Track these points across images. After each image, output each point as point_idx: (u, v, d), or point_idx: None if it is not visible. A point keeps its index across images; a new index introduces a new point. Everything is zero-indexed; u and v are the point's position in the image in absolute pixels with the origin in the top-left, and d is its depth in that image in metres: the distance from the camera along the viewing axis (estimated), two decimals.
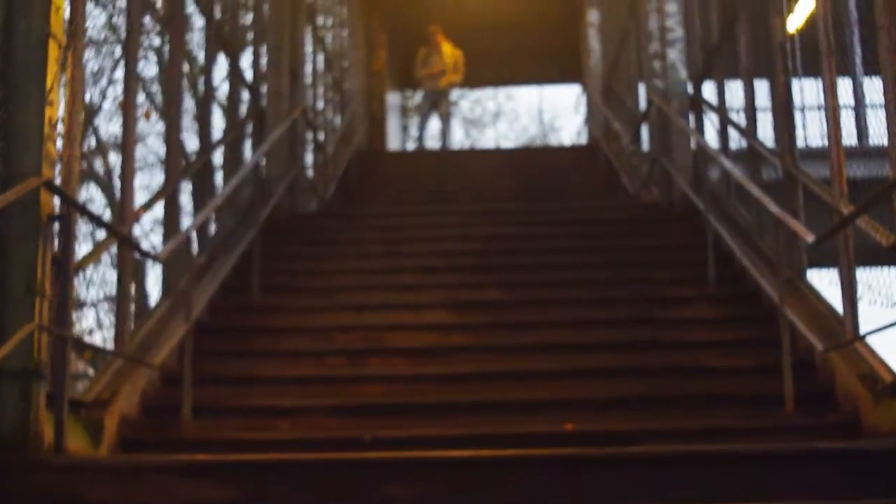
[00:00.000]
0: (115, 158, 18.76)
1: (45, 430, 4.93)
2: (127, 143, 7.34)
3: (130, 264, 6.96)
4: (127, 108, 7.48)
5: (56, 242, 5.14)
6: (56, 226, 5.13)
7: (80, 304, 14.63)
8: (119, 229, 6.61)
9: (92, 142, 18.63)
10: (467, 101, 31.84)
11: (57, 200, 5.19)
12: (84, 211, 5.56)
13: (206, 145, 9.55)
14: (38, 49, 5.20)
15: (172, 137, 8.34)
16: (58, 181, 5.37)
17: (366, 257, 10.07)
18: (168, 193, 8.15)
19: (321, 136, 13.88)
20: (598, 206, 12.32)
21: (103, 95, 18.12)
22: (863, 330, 6.59)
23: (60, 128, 5.61)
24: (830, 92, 7.00)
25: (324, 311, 8.72)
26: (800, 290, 7.70)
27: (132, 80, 7.47)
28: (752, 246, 8.90)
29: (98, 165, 18.76)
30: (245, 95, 11.14)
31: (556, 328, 8.28)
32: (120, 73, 15.30)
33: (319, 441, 6.40)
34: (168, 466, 5.05)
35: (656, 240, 10.28)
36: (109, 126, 18.31)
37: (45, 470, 4.85)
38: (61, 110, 5.63)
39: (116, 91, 17.42)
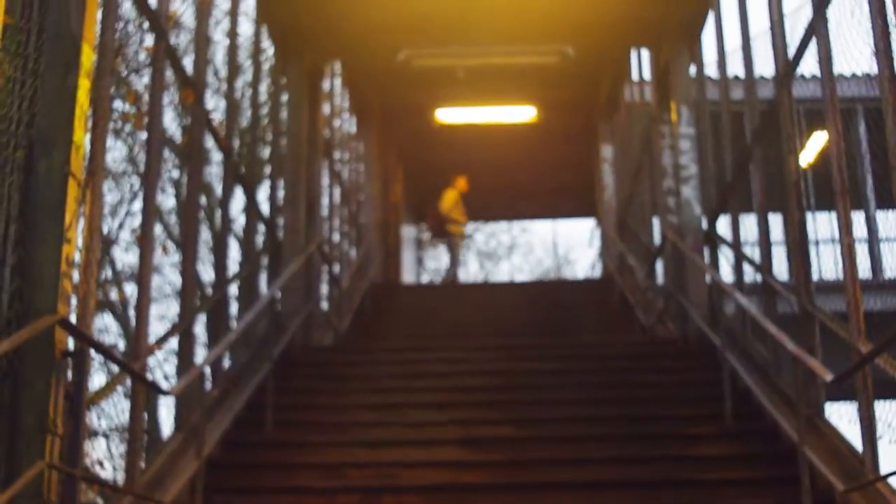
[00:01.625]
0: (130, 288, 18.90)
1: None
2: (143, 277, 7.38)
3: (143, 400, 6.92)
4: (144, 242, 7.54)
5: (69, 378, 5.12)
6: (69, 362, 5.11)
7: (93, 435, 14.57)
8: (132, 365, 6.59)
9: (109, 272, 18.79)
10: (482, 234, 32.06)
11: (71, 337, 5.18)
12: (98, 347, 5.55)
13: (222, 278, 9.57)
14: (57, 188, 5.26)
15: (188, 271, 8.38)
16: (73, 317, 5.38)
17: (380, 392, 10.01)
18: (183, 328, 8.14)
19: (336, 269, 13.94)
20: (613, 341, 12.27)
21: (121, 226, 18.30)
22: (883, 469, 6.51)
23: (77, 262, 5.64)
24: (846, 230, 7.02)
25: (337, 447, 8.64)
26: (818, 427, 7.61)
27: (150, 213, 7.53)
28: (770, 382, 8.83)
29: (114, 295, 18.87)
30: (261, 228, 11.22)
31: (570, 466, 8.17)
32: (138, 205, 15.44)
33: None
34: None
35: (672, 376, 10.21)
36: (126, 256, 18.52)
37: None
38: (78, 246, 5.66)
39: (134, 223, 17.65)
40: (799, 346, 7.44)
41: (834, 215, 16.57)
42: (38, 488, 4.76)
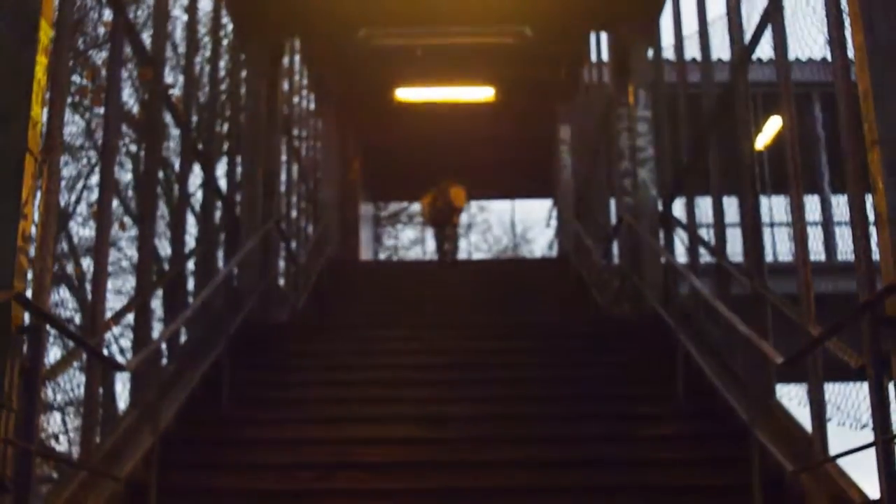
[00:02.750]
0: (87, 262, 18.77)
1: None
2: (99, 252, 7.36)
3: (99, 375, 6.92)
4: (101, 216, 7.52)
5: (25, 354, 5.12)
6: (25, 338, 5.10)
7: (49, 409, 14.50)
8: (88, 341, 6.58)
9: (65, 247, 18.66)
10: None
11: (27, 313, 5.18)
12: (55, 323, 5.55)
13: (179, 254, 9.56)
14: (13, 164, 5.22)
15: (145, 246, 8.36)
16: (28, 293, 5.37)
17: (336, 369, 10.05)
18: (139, 303, 8.14)
19: (294, 246, 13.94)
20: (568, 320, 12.36)
21: (78, 200, 18.17)
22: (833, 451, 6.62)
23: (33, 237, 5.62)
24: (797, 213, 7.12)
25: (292, 424, 8.67)
26: (769, 408, 7.72)
27: (108, 188, 7.51)
28: (722, 363, 8.94)
29: (70, 269, 18.74)
30: (219, 204, 11.20)
31: (521, 444, 8.24)
32: (95, 179, 15.34)
33: None
34: None
35: (626, 355, 10.30)
36: (83, 231, 18.40)
37: None
38: (35, 222, 5.64)
39: (91, 196, 17.52)
40: (751, 328, 7.54)
41: (787, 199, 16.83)
42: None
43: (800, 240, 7.06)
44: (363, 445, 8.20)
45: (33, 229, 5.49)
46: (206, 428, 8.60)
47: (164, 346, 8.11)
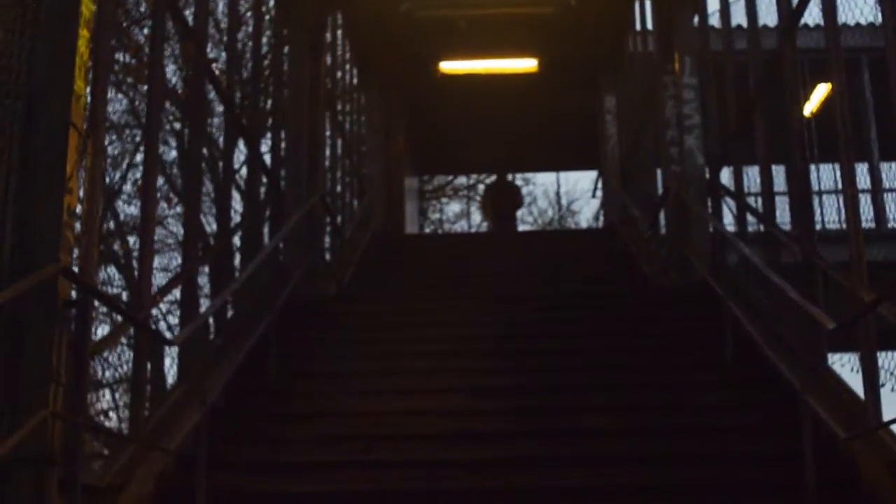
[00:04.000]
0: (133, 241, 18.87)
1: None
2: (146, 228, 7.38)
3: (147, 350, 6.95)
4: (146, 193, 7.54)
5: (73, 328, 5.14)
6: (72, 312, 5.13)
7: (99, 386, 14.61)
8: (135, 315, 6.60)
9: (112, 225, 18.76)
10: (485, 186, 31.97)
11: (74, 286, 5.20)
12: (101, 296, 5.57)
13: (225, 230, 9.57)
14: (58, 138, 5.24)
15: (191, 221, 8.37)
16: (75, 267, 5.39)
17: (383, 342, 10.04)
18: (186, 278, 8.15)
19: (339, 221, 13.94)
20: (616, 290, 12.27)
21: (124, 179, 18.27)
22: (886, 417, 6.53)
23: (79, 213, 5.64)
24: (848, 179, 7.01)
25: (341, 396, 8.69)
26: (821, 375, 7.63)
27: (152, 164, 7.52)
28: (772, 331, 8.83)
29: (117, 247, 18.85)
30: (264, 180, 11.21)
31: (573, 414, 8.21)
32: (140, 157, 15.38)
33: None
34: None
35: (674, 324, 10.23)
36: (129, 208, 18.48)
37: None
38: (80, 197, 5.66)
39: (137, 174, 17.59)
40: (802, 294, 7.44)
41: (836, 167, 16.61)
42: (41, 437, 4.78)
43: (851, 205, 6.95)
44: (411, 416, 8.20)
45: (79, 205, 5.50)
46: (254, 401, 8.62)
47: (211, 321, 8.11)
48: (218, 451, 7.38)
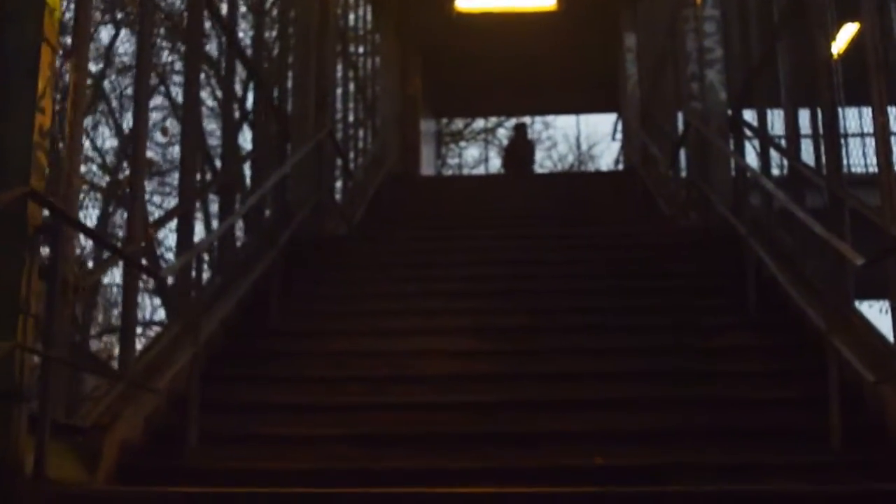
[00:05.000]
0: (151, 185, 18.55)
1: (27, 455, 4.56)
2: (137, 158, 7.02)
3: (136, 284, 6.61)
4: (137, 120, 7.18)
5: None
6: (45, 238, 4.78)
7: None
8: (122, 248, 6.25)
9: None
10: (505, 130, 31.52)
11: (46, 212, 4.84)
12: (76, 224, 5.21)
13: (229, 164, 9.19)
14: (29, 54, 4.87)
15: (188, 152, 7.97)
16: (54, 194, 5.04)
17: (390, 281, 9.70)
18: (182, 212, 7.79)
19: (350, 160, 13.56)
20: (634, 230, 11.87)
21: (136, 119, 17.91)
22: None
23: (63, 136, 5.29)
24: (880, 109, 6.57)
25: (344, 336, 8.34)
26: (847, 318, 7.22)
27: (143, 94, 7.15)
28: (796, 272, 8.42)
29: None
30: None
31: (586, 356, 7.85)
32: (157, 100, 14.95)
33: (332, 472, 6.02)
34: (160, 499, 4.68)
35: (694, 265, 9.86)
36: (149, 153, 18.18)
37: (19, 499, 4.47)
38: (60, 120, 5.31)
39: (154, 117, 17.22)
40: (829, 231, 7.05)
41: (860, 111, 16.12)
42: (9, 369, 4.45)
43: (882, 139, 6.52)
44: (417, 358, 7.86)
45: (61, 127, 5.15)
46: (255, 340, 8.30)
47: (211, 258, 7.77)
48: (213, 392, 7.06)
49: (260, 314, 8.64)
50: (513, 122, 31.14)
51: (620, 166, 25.38)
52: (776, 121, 10.60)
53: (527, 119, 26.73)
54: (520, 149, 20.77)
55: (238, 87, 14.29)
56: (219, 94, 16.13)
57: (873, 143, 13.57)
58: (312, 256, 10.32)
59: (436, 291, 9.25)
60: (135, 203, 6.96)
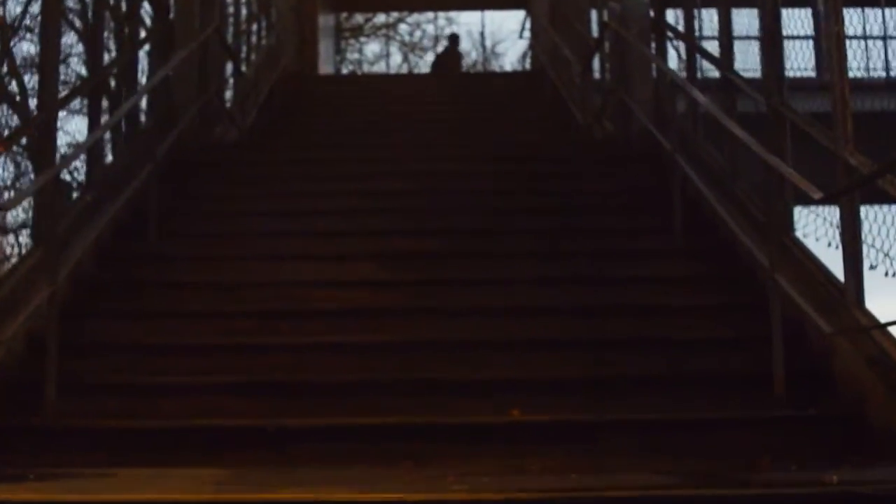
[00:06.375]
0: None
1: None
2: None
3: None
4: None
5: None
6: None
7: None
8: None
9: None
10: (406, 25, 30.47)
11: None
12: None
13: (97, 68, 8.17)
14: None
15: (48, 60, 6.92)
16: None
17: (284, 197, 8.84)
18: (41, 121, 6.80)
19: (242, 59, 12.53)
20: (544, 140, 11.12)
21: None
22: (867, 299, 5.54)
23: None
24: (835, 16, 5.81)
25: (232, 262, 7.48)
26: (786, 248, 6.54)
27: None
28: (725, 192, 7.73)
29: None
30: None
31: (495, 286, 7.11)
32: None
33: (213, 430, 5.25)
34: None
35: (612, 182, 9.15)
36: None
37: None
38: None
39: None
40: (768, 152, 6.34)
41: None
42: None
43: (836, 45, 5.75)
44: (313, 288, 7.06)
45: None
46: (130, 267, 7.42)
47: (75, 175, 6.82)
48: (79, 332, 6.27)
49: (137, 236, 7.75)
50: (414, 16, 30.22)
51: (527, 65, 24.62)
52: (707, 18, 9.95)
53: (429, 14, 25.76)
54: (449, 59, 21.20)
55: None
56: None
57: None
58: (197, 168, 9.38)
59: (332, 210, 8.40)
60: None
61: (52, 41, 6.93)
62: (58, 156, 6.90)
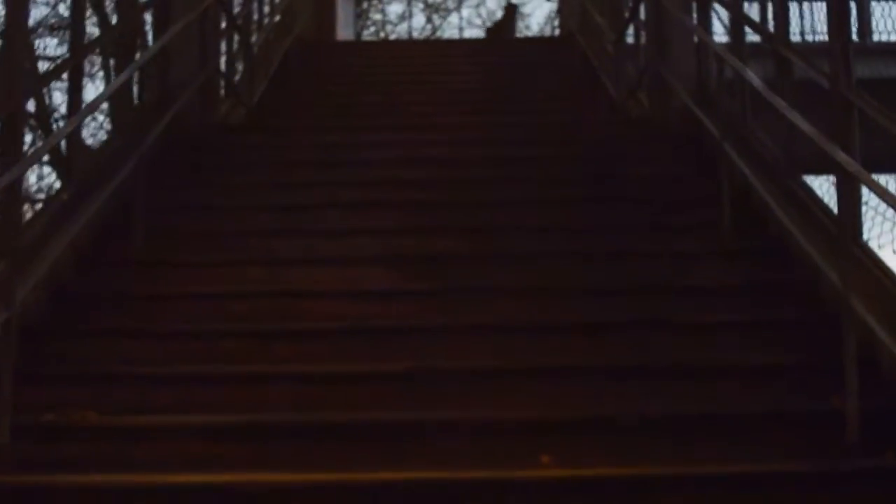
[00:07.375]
0: None
1: None
2: None
3: None
4: None
5: None
6: None
7: None
8: None
9: None
10: None
11: None
12: None
13: (77, 44, 7.33)
14: None
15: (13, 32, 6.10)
16: None
17: (290, 188, 8.05)
18: (8, 112, 5.99)
19: (249, 30, 11.66)
20: (576, 120, 10.23)
21: None
22: None
23: None
24: None
25: (225, 268, 6.68)
26: (855, 259, 5.67)
27: None
28: (779, 184, 6.88)
29: None
30: None
31: (524, 296, 6.29)
32: None
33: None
34: None
35: (650, 167, 8.33)
36: None
37: None
38: None
39: None
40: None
41: None
42: None
43: None
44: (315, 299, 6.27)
45: None
46: (111, 276, 6.63)
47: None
48: (44, 357, 5.50)
49: (121, 237, 6.95)
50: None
51: (554, 26, 23.77)
52: None
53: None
54: (501, 28, 21.65)
55: None
56: None
57: None
58: (195, 154, 8.59)
59: (342, 202, 7.62)
60: None
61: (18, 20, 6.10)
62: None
